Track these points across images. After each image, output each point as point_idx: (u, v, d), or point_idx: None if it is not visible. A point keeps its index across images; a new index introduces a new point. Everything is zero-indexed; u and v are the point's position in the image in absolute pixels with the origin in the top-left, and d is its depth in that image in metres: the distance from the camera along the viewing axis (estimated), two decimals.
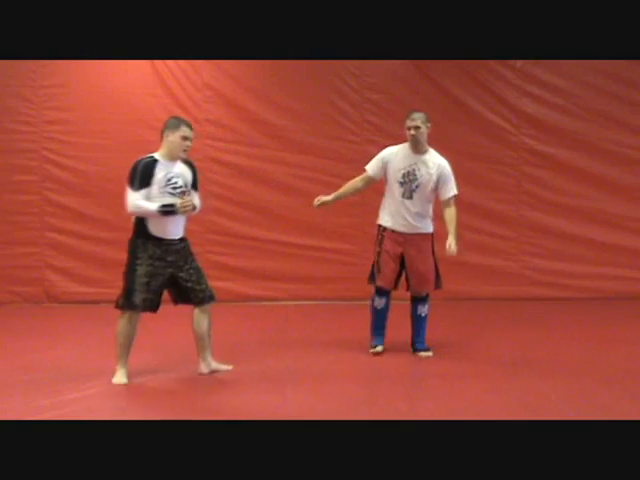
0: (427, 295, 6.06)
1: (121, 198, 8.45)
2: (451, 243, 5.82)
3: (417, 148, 5.93)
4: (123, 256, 8.44)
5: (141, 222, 5.22)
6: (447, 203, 5.95)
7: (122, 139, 8.28)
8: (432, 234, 6.01)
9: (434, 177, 5.88)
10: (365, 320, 7.32)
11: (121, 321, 5.25)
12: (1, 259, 8.34)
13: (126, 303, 5.21)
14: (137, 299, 5.17)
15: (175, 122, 5.35)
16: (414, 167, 5.91)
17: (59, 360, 5.89)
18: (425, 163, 5.91)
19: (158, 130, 8.38)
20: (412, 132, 5.87)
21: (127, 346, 5.25)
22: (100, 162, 8.31)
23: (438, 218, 6.08)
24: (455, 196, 5.97)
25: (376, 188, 8.41)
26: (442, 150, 6.13)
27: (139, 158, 5.26)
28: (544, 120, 8.38)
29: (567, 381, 5.24)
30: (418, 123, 5.85)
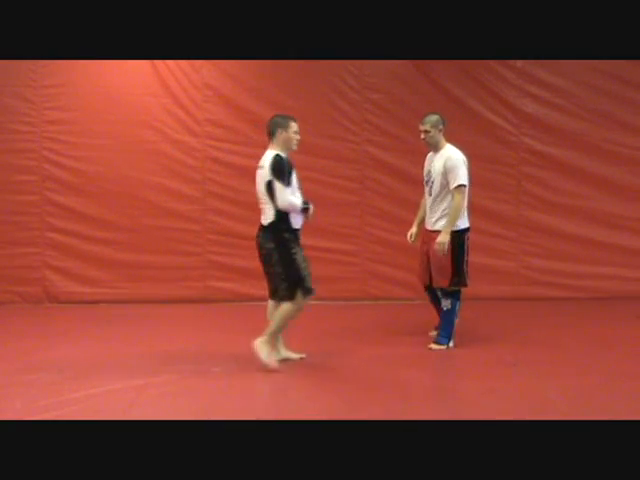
0: (453, 290, 6.08)
1: (121, 198, 8.59)
2: (439, 238, 5.95)
3: (434, 148, 6.21)
4: (123, 256, 8.57)
5: (286, 217, 5.43)
6: (452, 194, 6.03)
7: (122, 139, 8.30)
8: (457, 231, 6.03)
9: (442, 170, 6.06)
10: (364, 320, 7.32)
11: (291, 307, 5.47)
12: (1, 259, 8.34)
13: (306, 291, 5.48)
14: (309, 284, 5.51)
15: (283, 119, 5.53)
16: (431, 166, 6.19)
17: (59, 360, 5.88)
18: (438, 159, 6.13)
19: (158, 130, 8.54)
20: (422, 136, 6.18)
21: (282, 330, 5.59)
22: (100, 162, 8.32)
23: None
24: (460, 187, 6.00)
25: (375, 188, 8.45)
26: None
27: (277, 154, 5.39)
28: (544, 120, 8.37)
29: (567, 381, 5.23)
30: (427, 127, 6.12)
